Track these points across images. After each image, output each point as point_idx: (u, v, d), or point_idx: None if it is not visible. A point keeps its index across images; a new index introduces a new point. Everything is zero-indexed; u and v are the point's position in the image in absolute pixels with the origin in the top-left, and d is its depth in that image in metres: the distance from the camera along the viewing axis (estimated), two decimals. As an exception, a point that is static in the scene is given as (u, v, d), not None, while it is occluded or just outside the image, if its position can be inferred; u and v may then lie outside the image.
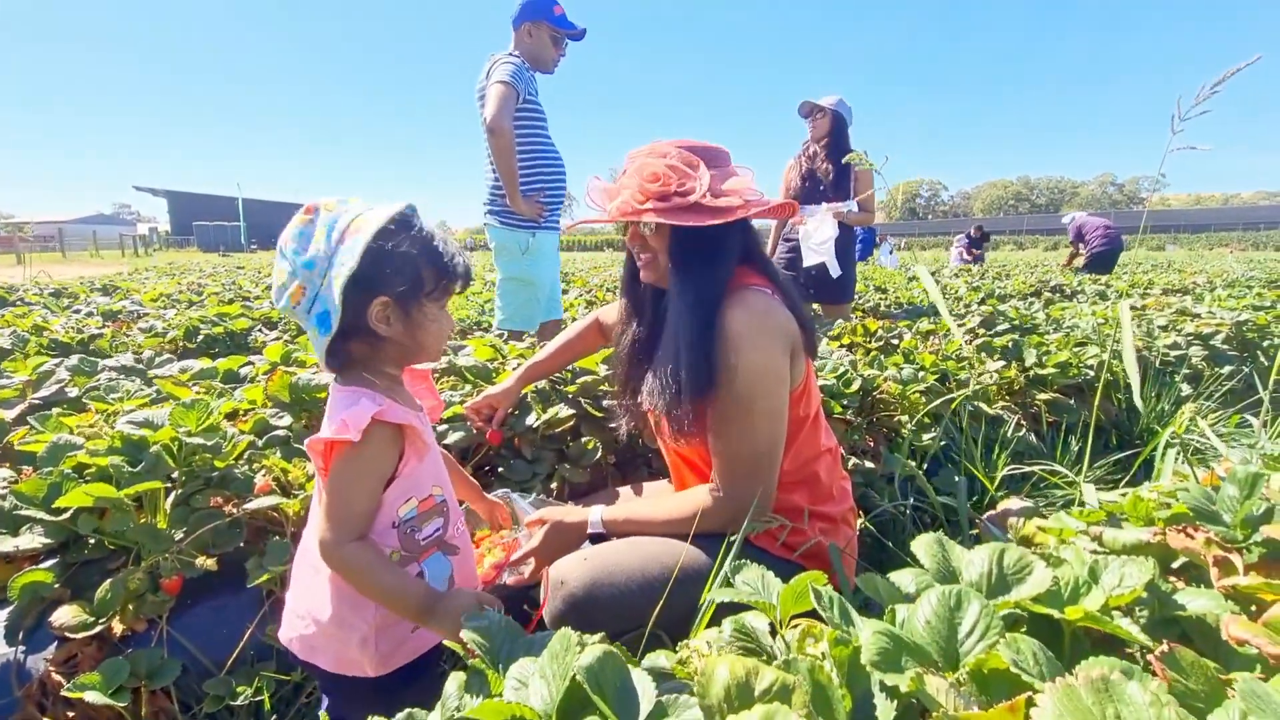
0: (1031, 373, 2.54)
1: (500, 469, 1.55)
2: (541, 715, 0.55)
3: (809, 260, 3.23)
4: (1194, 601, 0.69)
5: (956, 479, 2.04)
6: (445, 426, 1.49)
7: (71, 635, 1.13)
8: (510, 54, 2.70)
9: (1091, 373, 2.59)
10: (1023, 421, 2.43)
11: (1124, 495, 1.17)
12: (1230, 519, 0.81)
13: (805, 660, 0.59)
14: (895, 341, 2.61)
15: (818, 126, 3.36)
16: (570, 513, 1.22)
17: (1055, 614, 0.65)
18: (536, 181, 2.80)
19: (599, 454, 1.57)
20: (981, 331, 2.94)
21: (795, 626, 0.71)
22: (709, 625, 0.83)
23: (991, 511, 1.19)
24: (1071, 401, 2.55)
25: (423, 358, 1.00)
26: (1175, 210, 76.69)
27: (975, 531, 1.21)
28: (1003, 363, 2.49)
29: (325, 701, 1.05)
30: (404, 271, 0.88)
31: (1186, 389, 2.66)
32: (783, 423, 1.12)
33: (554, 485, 1.55)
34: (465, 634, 0.68)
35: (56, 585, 1.20)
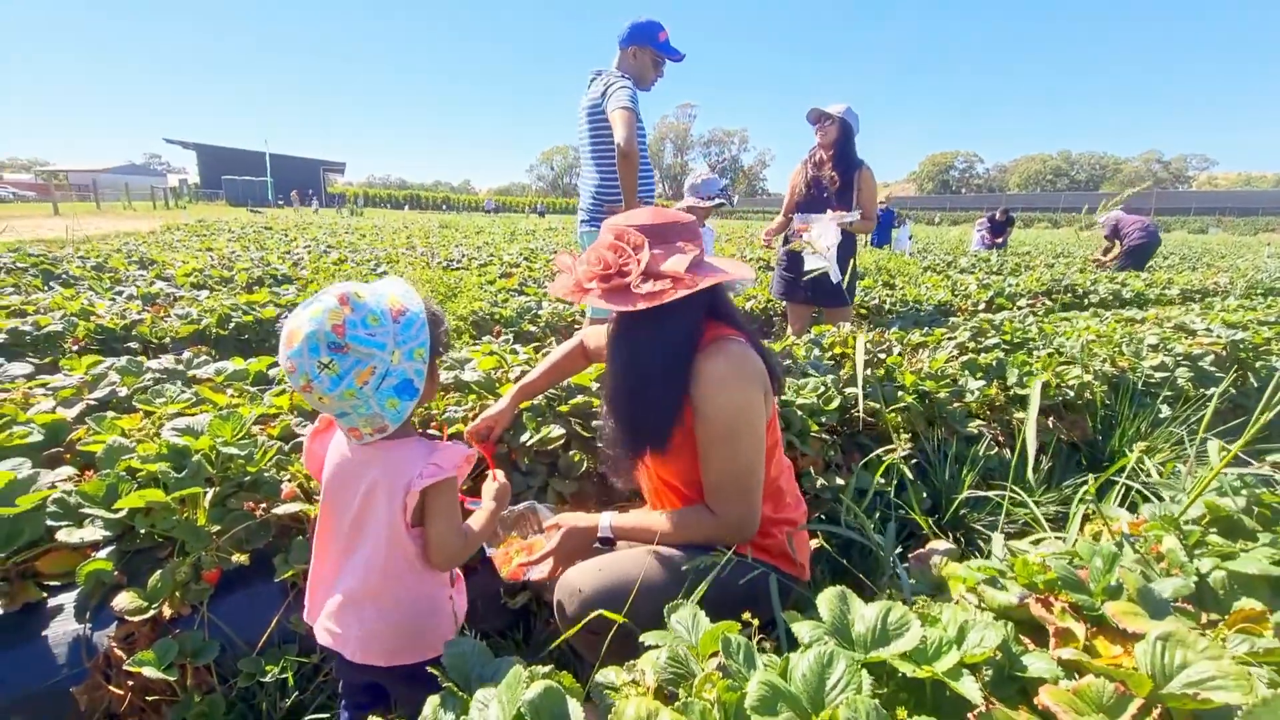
0: (1012, 391, 2.65)
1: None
2: (495, 735, 0.73)
3: (810, 265, 3.33)
4: (1035, 664, 0.84)
5: (924, 494, 2.21)
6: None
7: (130, 618, 1.34)
8: (622, 76, 2.86)
9: (1072, 393, 2.69)
10: (999, 439, 2.56)
11: (1036, 543, 1.32)
12: (1094, 588, 0.96)
13: (699, 703, 0.76)
14: (882, 356, 2.72)
15: (826, 133, 3.41)
16: (583, 519, 1.40)
17: (912, 670, 0.81)
18: (641, 194, 2.97)
19: (584, 467, 1.74)
20: (970, 345, 3.04)
21: (714, 657, 0.89)
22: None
23: (920, 550, 1.34)
24: (1050, 421, 2.66)
25: (423, 404, 1.19)
26: (1223, 191, 73.67)
27: (907, 564, 1.36)
28: (983, 382, 2.60)
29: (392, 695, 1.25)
30: (435, 336, 1.10)
31: (1166, 411, 2.75)
32: (762, 450, 1.28)
33: (549, 496, 1.73)
34: (444, 659, 0.86)
35: (115, 572, 1.41)
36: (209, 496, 1.53)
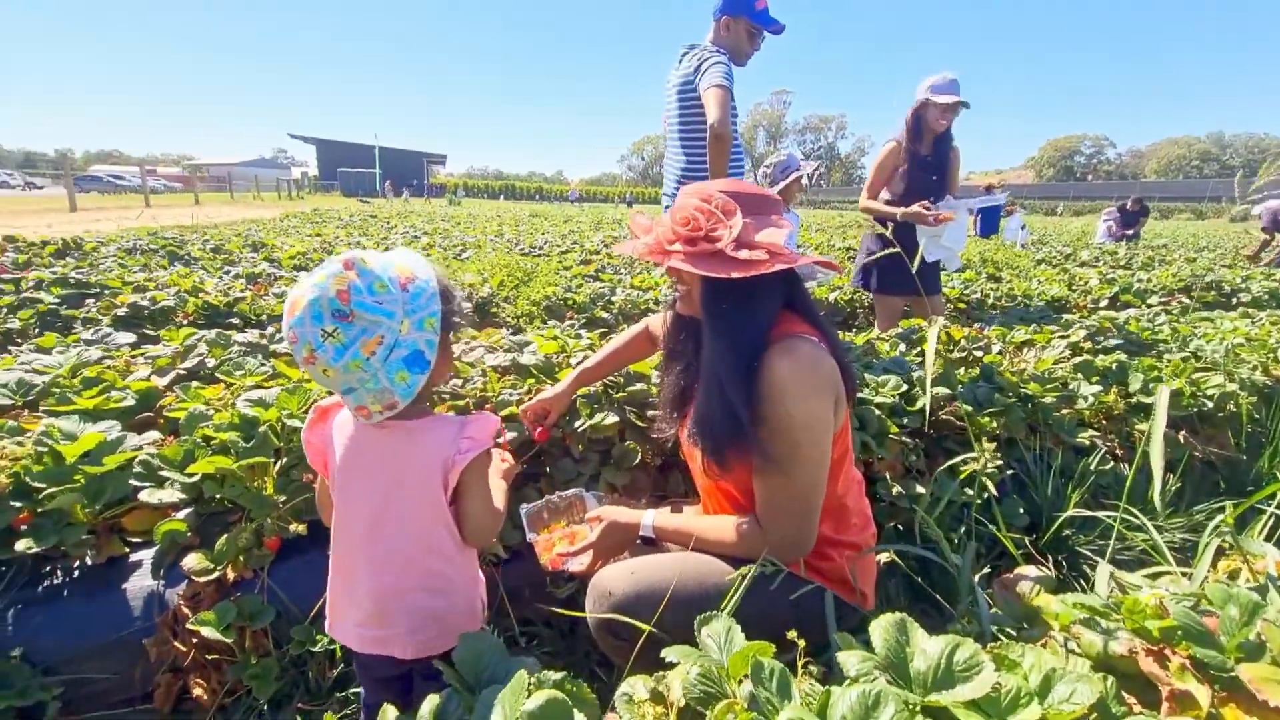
0: (1135, 399, 2.33)
1: (548, 467, 1.69)
2: (490, 748, 0.67)
3: (932, 256, 3.07)
4: (1140, 733, 0.68)
5: (1021, 510, 1.98)
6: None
7: (196, 578, 1.41)
8: (716, 50, 2.70)
9: (1210, 404, 2.33)
10: (1116, 452, 2.26)
11: (1154, 578, 1.11)
12: (1226, 643, 0.77)
13: (717, 735, 0.67)
14: (979, 353, 2.47)
15: (953, 113, 3.15)
16: (626, 514, 1.33)
17: (980, 723, 0.67)
18: (731, 173, 2.86)
19: (639, 458, 1.67)
20: (1086, 345, 2.70)
21: (746, 681, 0.79)
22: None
23: (1008, 574, 1.17)
24: (1182, 435, 2.32)
25: (435, 386, 1.19)
26: None
27: (990, 590, 1.19)
28: (1099, 387, 2.29)
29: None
30: (449, 310, 1.02)
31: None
32: (825, 468, 1.15)
33: (600, 485, 1.67)
34: (457, 654, 0.82)
35: (189, 533, 1.49)
36: (276, 467, 1.59)
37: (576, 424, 1.68)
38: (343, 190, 35.75)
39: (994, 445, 1.78)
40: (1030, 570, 1.14)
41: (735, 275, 1.09)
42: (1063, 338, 2.76)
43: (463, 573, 1.13)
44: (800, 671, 0.87)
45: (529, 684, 0.74)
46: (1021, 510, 1.95)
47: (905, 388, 2.07)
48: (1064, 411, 2.23)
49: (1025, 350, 2.72)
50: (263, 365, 1.93)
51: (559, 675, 0.78)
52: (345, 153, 46.83)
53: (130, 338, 2.21)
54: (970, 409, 2.08)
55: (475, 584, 1.17)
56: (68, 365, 1.77)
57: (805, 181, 3.48)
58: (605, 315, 3.44)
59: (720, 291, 1.16)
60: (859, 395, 2.02)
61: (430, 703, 0.73)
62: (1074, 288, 4.80)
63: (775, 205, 1.18)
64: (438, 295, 0.99)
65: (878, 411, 1.98)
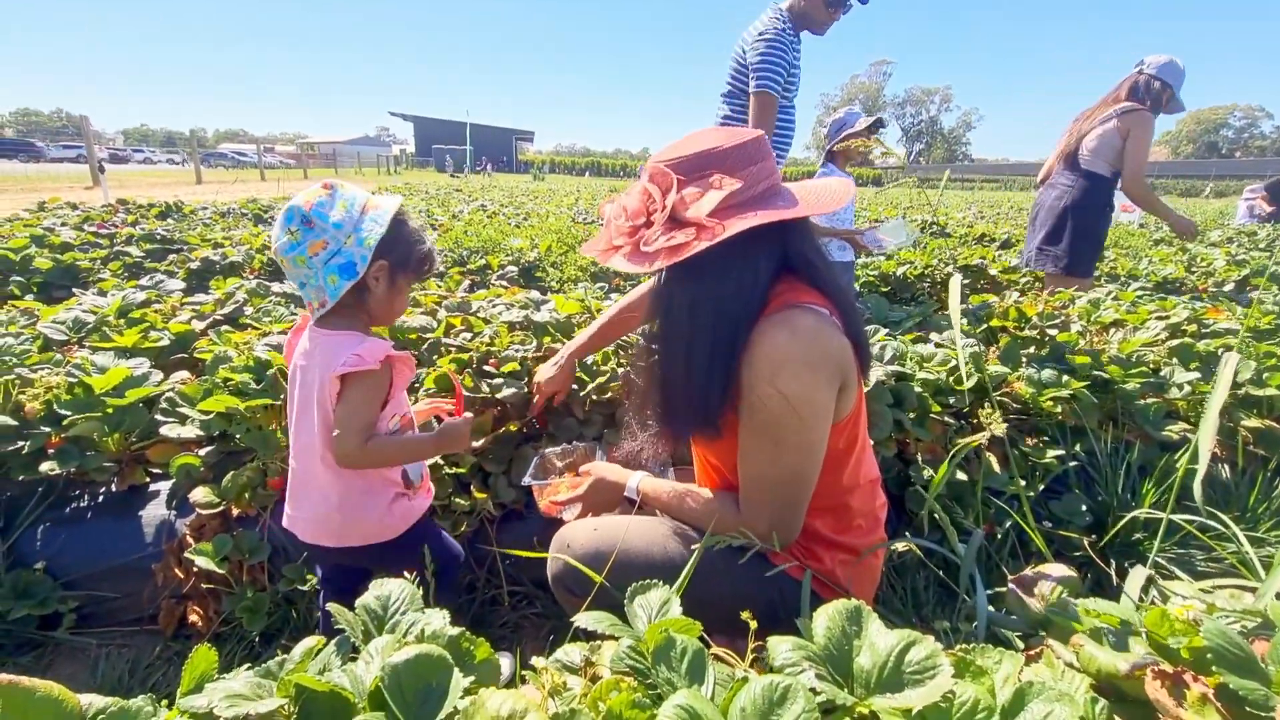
0: (1244, 391, 1.99)
1: (552, 428, 1.64)
2: (354, 697, 0.62)
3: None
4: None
5: (1083, 507, 1.74)
6: (500, 381, 1.60)
7: (202, 510, 1.46)
8: (781, 18, 2.51)
9: (1339, 400, 1.95)
10: (1216, 451, 1.94)
11: (1213, 591, 0.91)
12: (1274, 673, 0.60)
13: (588, 715, 0.58)
14: (1052, 331, 2.18)
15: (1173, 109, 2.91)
16: (615, 472, 1.25)
17: (914, 738, 0.56)
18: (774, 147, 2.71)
19: (644, 424, 1.58)
20: (1189, 328, 2.34)
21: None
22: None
23: (1026, 572, 1.00)
24: (1302, 434, 1.96)
25: (384, 321, 1.25)
26: None
27: (1004, 589, 1.02)
28: (1198, 374, 1.97)
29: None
30: (402, 248, 1.15)
31: None
32: (815, 458, 1.01)
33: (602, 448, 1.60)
34: (362, 601, 0.77)
35: (203, 469, 1.55)
36: (281, 409, 1.62)
37: (581, 391, 1.61)
38: (436, 166, 37.22)
39: (1081, 432, 1.57)
40: (1054, 569, 0.97)
41: (656, 267, 0.94)
42: (1161, 318, 2.40)
43: (342, 479, 1.17)
44: (748, 657, 0.77)
45: (415, 637, 0.68)
46: (1084, 507, 1.71)
47: (953, 364, 1.86)
48: (1150, 400, 1.94)
49: (1113, 331, 2.39)
50: (293, 314, 1.97)
51: (456, 631, 0.72)
52: (440, 130, 48.60)
53: (180, 285, 2.35)
54: (1032, 390, 1.84)
55: (365, 498, 1.19)
56: (112, 306, 1.88)
57: (871, 139, 3.14)
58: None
59: (671, 277, 1.02)
60: (899, 370, 1.83)
61: (304, 647, 0.69)
62: (1193, 269, 4.22)
63: (732, 156, 0.96)
64: (385, 223, 1.11)
65: (919, 389, 1.79)
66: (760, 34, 2.46)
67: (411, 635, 0.72)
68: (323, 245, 1.08)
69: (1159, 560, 1.64)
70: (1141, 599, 1.07)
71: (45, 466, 1.40)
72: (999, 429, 1.09)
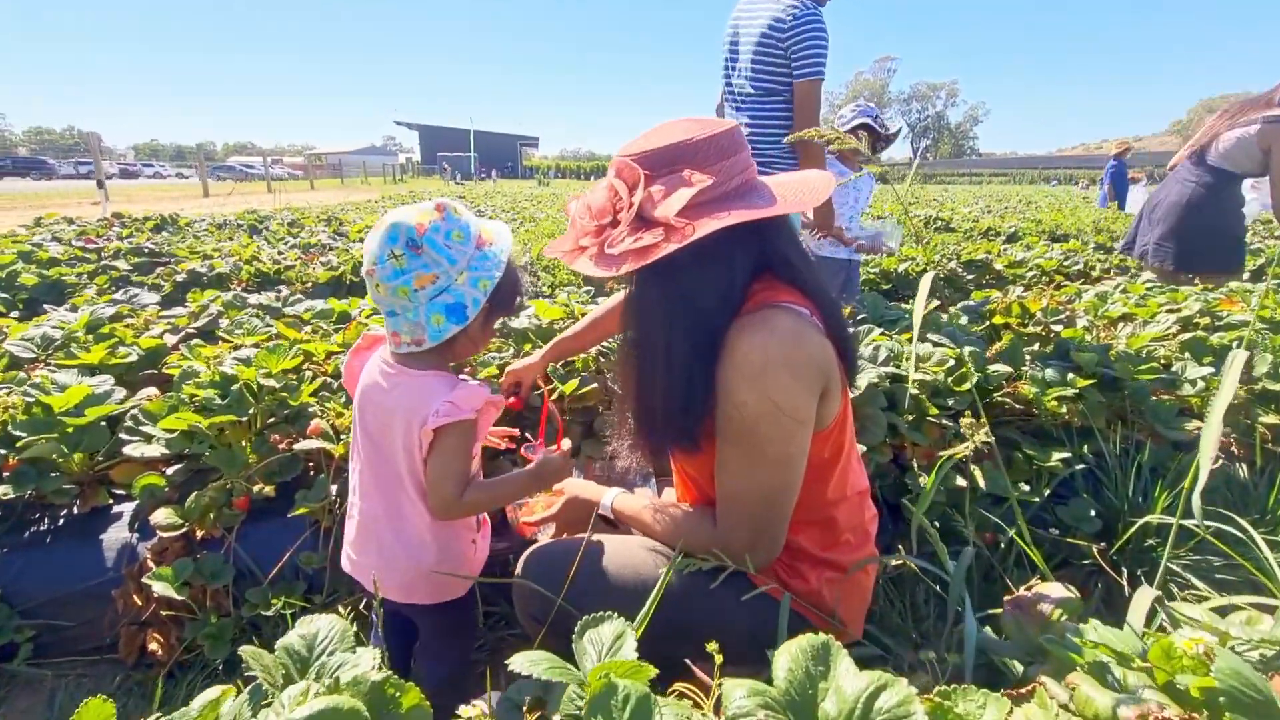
0: (1261, 386, 1.89)
1: (528, 435, 1.57)
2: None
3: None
4: None
5: (1092, 512, 1.64)
6: (472, 383, 1.54)
7: (164, 533, 1.40)
8: (799, 2, 2.33)
9: (1365, 394, 1.85)
10: (1234, 450, 1.85)
11: (1222, 613, 0.83)
12: (1298, 725, 0.52)
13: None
14: (1057, 327, 2.09)
15: None
16: (588, 489, 1.20)
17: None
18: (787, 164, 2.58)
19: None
20: (1201, 321, 2.24)
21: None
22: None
23: (1023, 592, 0.92)
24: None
25: (466, 357, 1.19)
26: None
27: (1000, 611, 0.94)
28: (1212, 369, 1.88)
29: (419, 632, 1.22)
30: (506, 289, 1.05)
31: None
32: (796, 469, 0.94)
33: (579, 460, 1.53)
34: (284, 640, 0.70)
35: (167, 489, 1.49)
36: (253, 426, 1.57)
37: (552, 393, 1.54)
38: (441, 175, 37.47)
39: (1089, 433, 1.49)
40: (1052, 589, 0.89)
41: (622, 271, 0.87)
42: (1171, 310, 2.30)
43: (428, 531, 1.08)
44: (714, 694, 0.70)
45: (326, 686, 0.61)
46: (1093, 513, 1.62)
47: (954, 363, 1.77)
48: (1161, 398, 1.84)
49: (1122, 326, 2.29)
50: (267, 326, 1.92)
51: (380, 676, 0.65)
52: (444, 138, 48.87)
53: (154, 297, 2.31)
54: (1035, 390, 1.75)
55: (445, 551, 1.10)
56: (80, 321, 1.84)
57: (877, 134, 3.03)
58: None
59: (643, 280, 0.95)
60: (894, 372, 1.75)
61: (206, 697, 0.62)
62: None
63: (703, 149, 0.88)
64: (503, 265, 1.02)
65: (914, 390, 1.71)
66: (798, 19, 2.30)
67: (335, 679, 0.65)
68: (432, 280, 0.97)
69: (1172, 568, 1.54)
70: (1152, 618, 0.99)
71: (-1, 491, 1.35)
72: (981, 438, 1.01)
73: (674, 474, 1.21)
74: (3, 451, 1.40)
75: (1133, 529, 1.49)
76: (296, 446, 1.47)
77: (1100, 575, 1.56)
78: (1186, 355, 1.97)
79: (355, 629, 0.77)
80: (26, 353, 1.74)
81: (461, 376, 1.12)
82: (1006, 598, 0.93)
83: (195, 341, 1.81)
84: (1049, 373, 1.80)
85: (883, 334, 1.95)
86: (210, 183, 19.15)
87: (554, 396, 1.59)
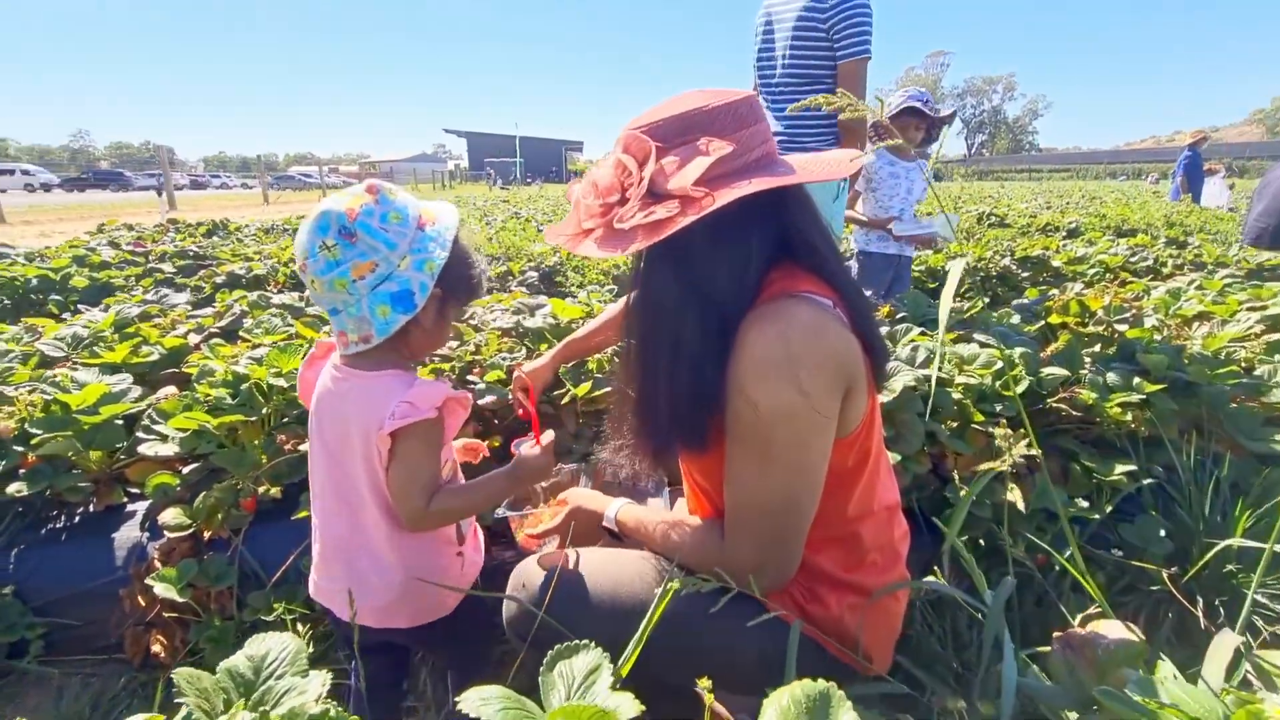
0: (1366, 390, 1.67)
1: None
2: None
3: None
4: None
5: (1162, 533, 1.47)
6: (483, 385, 1.47)
7: (171, 533, 1.39)
8: None
9: None
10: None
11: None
12: None
13: None
14: (1122, 327, 1.90)
15: None
16: (592, 499, 1.12)
17: None
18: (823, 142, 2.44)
19: (637, 439, 1.42)
20: (1294, 318, 2.00)
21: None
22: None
23: (1075, 629, 0.79)
24: None
25: (425, 353, 1.07)
26: None
27: (1048, 649, 0.81)
28: (1306, 372, 1.67)
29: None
30: (460, 272, 0.97)
31: None
32: (813, 479, 0.84)
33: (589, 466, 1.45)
34: (225, 667, 0.65)
35: (179, 488, 1.48)
36: (265, 427, 1.55)
37: (560, 396, 1.47)
38: (487, 181, 38.22)
39: (1159, 444, 1.33)
40: (1110, 628, 0.76)
41: (632, 250, 0.79)
42: (1255, 309, 2.07)
43: (421, 550, 1.01)
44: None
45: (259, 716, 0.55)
46: (1162, 533, 1.45)
47: (1001, 365, 1.62)
48: (1245, 405, 1.64)
49: (1197, 325, 2.07)
50: (287, 326, 1.92)
51: (319, 709, 0.58)
52: (491, 144, 49.82)
53: (184, 297, 2.35)
54: (1096, 395, 1.58)
55: (428, 568, 1.03)
56: (106, 320, 1.87)
57: (928, 118, 2.83)
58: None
59: (651, 262, 0.86)
60: (938, 375, 1.61)
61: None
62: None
63: (720, 117, 0.80)
64: (448, 244, 0.93)
65: (958, 395, 1.56)
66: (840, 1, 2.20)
67: (263, 714, 0.59)
68: (371, 268, 0.88)
69: (1260, 600, 1.36)
70: (1235, 667, 0.84)
71: (13, 488, 1.36)
72: (1020, 450, 0.88)
73: (684, 483, 1.12)
74: (21, 449, 1.41)
75: (1211, 553, 1.32)
76: (302, 447, 1.44)
77: (1171, 604, 1.38)
78: (1275, 358, 1.76)
79: (310, 650, 0.71)
80: (57, 351, 1.78)
81: (446, 376, 1.06)
82: (1056, 634, 0.80)
83: (216, 341, 1.82)
84: (1111, 376, 1.62)
85: (923, 334, 1.81)
86: (270, 192, 20.00)
87: (565, 400, 1.52)
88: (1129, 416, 1.56)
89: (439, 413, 0.94)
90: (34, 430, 1.40)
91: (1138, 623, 1.38)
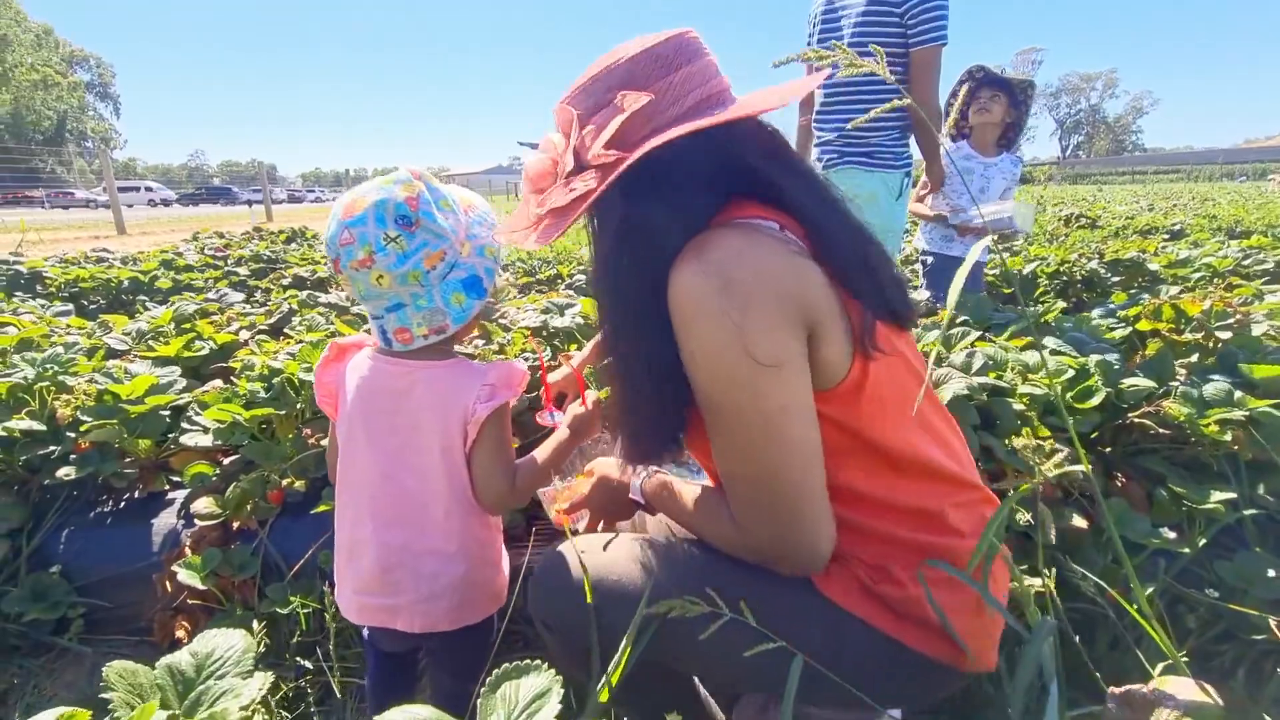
0: None
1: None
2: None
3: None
4: None
5: (1271, 572, 1.25)
6: (498, 363, 1.45)
7: (201, 521, 1.43)
8: None
9: None
10: None
11: None
12: None
13: None
14: (1225, 335, 1.66)
15: None
16: (618, 469, 1.03)
17: None
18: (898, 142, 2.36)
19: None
20: None
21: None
22: None
23: (1136, 686, 0.65)
24: None
25: (461, 340, 1.10)
26: None
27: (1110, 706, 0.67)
28: None
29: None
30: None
31: None
32: (792, 437, 0.71)
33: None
34: (165, 664, 0.62)
35: (215, 478, 1.53)
36: (297, 421, 1.57)
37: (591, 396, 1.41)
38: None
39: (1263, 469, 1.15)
40: (1181, 687, 0.62)
41: (543, 239, 0.73)
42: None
43: (483, 539, 1.00)
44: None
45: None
46: (1271, 573, 1.24)
47: (1071, 374, 1.44)
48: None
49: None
50: (330, 324, 1.96)
51: (238, 716, 0.54)
52: (564, 155, 50.99)
53: (240, 296, 2.47)
54: (1189, 411, 1.38)
55: (499, 556, 1.03)
56: (164, 316, 1.97)
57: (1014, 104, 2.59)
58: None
59: (602, 230, 0.77)
60: (994, 384, 1.44)
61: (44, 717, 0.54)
62: None
63: (645, 64, 0.70)
64: (496, 227, 0.93)
65: (1020, 406, 1.40)
66: None
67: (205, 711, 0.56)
68: (440, 256, 0.87)
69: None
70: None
71: (62, 472, 1.43)
72: (1052, 467, 0.75)
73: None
74: (74, 435, 1.49)
75: None
76: (325, 442, 1.45)
77: (1278, 658, 1.17)
78: None
79: (260, 648, 0.67)
80: (122, 345, 1.89)
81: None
82: (1113, 690, 0.67)
83: (262, 337, 1.88)
84: (1209, 389, 1.41)
85: (983, 339, 1.64)
86: (356, 203, 21.36)
87: (590, 402, 1.46)
88: (1228, 436, 1.35)
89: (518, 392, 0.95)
90: (85, 417, 1.47)
91: (1235, 678, 1.18)
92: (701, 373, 0.71)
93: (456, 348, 1.07)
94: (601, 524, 1.06)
